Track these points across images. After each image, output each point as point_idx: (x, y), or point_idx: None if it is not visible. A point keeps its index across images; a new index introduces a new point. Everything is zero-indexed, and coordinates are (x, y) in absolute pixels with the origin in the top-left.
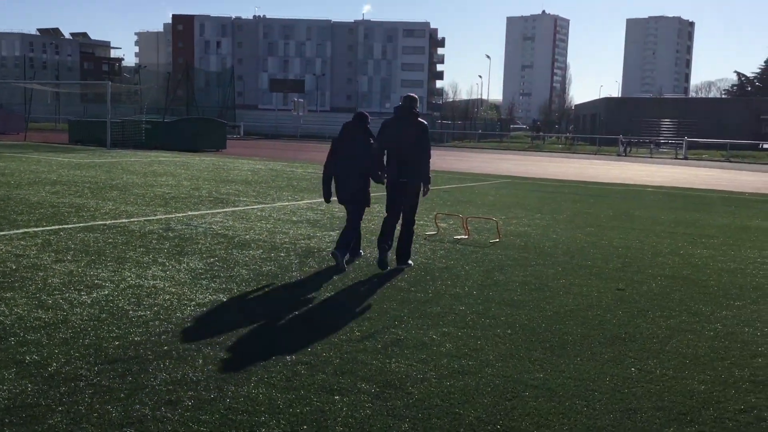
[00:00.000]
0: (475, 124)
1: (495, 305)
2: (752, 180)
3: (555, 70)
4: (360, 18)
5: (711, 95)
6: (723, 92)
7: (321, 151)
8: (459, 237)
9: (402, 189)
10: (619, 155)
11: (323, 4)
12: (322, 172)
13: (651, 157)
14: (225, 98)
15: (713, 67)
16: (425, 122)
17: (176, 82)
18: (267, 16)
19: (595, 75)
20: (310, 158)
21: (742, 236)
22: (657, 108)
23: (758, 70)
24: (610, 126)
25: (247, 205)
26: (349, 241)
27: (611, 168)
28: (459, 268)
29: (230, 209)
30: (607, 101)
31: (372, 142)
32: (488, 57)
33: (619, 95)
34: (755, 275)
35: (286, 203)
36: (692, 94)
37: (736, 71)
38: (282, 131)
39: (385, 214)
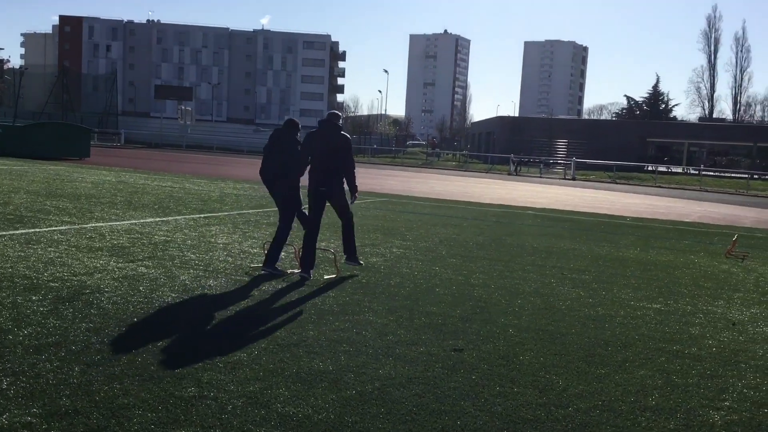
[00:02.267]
0: (370, 138)
1: (275, 384)
2: (635, 203)
3: (456, 89)
4: (259, 27)
5: (603, 118)
6: (613, 115)
7: (203, 163)
8: (292, 271)
9: (321, 197)
10: (509, 174)
11: (221, 11)
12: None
13: (540, 177)
14: (107, 104)
15: (605, 91)
16: (347, 135)
17: (59, 86)
18: (161, 21)
19: (494, 95)
20: (186, 170)
21: (617, 270)
22: (549, 128)
23: (646, 95)
24: (503, 145)
25: (51, 226)
26: (279, 244)
27: (498, 187)
28: (261, 317)
29: (21, 231)
30: (501, 120)
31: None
32: (386, 72)
33: (517, 116)
34: (625, 325)
35: (103, 224)
36: (585, 117)
37: (625, 95)
38: (167, 140)
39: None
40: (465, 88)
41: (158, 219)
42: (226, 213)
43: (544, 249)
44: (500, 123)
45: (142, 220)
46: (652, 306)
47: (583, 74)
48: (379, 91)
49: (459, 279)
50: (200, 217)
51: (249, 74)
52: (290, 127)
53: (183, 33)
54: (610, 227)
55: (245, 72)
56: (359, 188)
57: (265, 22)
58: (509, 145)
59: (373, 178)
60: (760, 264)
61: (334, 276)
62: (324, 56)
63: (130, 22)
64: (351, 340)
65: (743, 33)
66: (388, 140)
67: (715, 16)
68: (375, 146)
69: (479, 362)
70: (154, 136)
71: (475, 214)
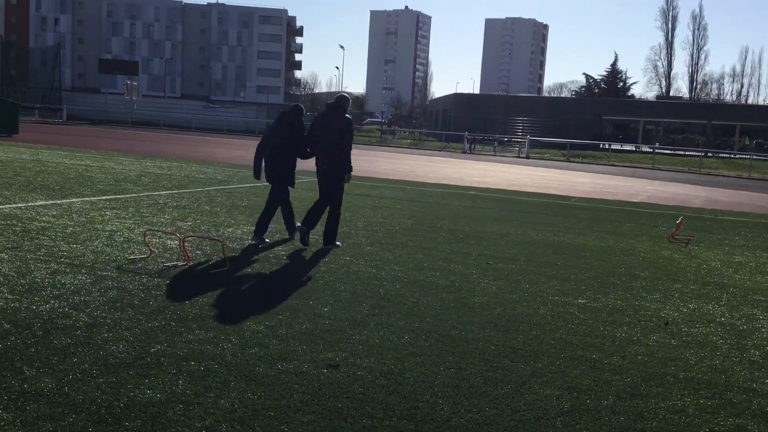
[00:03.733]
0: None
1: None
2: (584, 182)
3: (417, 66)
4: (214, 1)
5: (563, 96)
6: (573, 93)
7: (142, 140)
8: (172, 264)
9: (327, 176)
10: (463, 152)
11: None
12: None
13: (494, 155)
14: (50, 79)
15: (565, 69)
16: (350, 117)
17: (4, 61)
18: None
19: (456, 72)
20: (118, 147)
21: (548, 258)
22: (505, 106)
23: (605, 73)
24: (459, 122)
25: None
26: (289, 218)
27: (446, 166)
28: (95, 331)
29: None
30: (457, 97)
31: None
32: (342, 47)
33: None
34: (543, 327)
35: None
36: (546, 95)
37: (584, 73)
38: (114, 117)
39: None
40: (426, 65)
41: (51, 202)
42: (133, 195)
43: (476, 234)
44: (456, 100)
45: (31, 204)
46: (578, 302)
47: (543, 52)
48: (337, 68)
49: (368, 272)
50: (101, 199)
51: (203, 49)
52: (297, 111)
53: (134, 6)
54: (552, 209)
55: (200, 47)
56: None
57: None
58: (465, 123)
59: None
60: (704, 249)
61: (224, 269)
62: (281, 31)
63: None
64: (204, 355)
65: (700, 11)
66: None
67: None
68: None
69: (353, 383)
70: (100, 113)
71: (413, 195)
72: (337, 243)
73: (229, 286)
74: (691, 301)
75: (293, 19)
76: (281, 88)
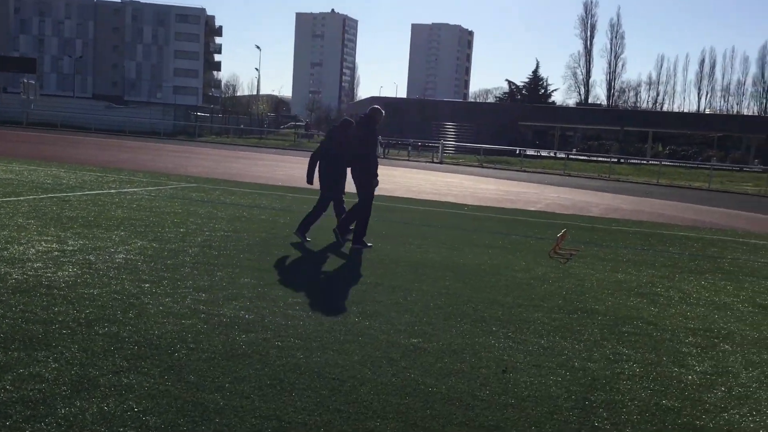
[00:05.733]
0: (237, 119)
1: None
2: (488, 189)
3: (344, 70)
4: None
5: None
6: (497, 99)
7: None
8: None
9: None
10: (378, 156)
11: None
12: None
13: (408, 160)
14: None
15: (490, 76)
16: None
17: None
18: None
19: (383, 77)
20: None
21: (399, 282)
22: (423, 110)
23: (527, 80)
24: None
25: None
26: (348, 221)
27: None
28: None
29: None
30: (376, 101)
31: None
32: (258, 48)
33: (392, 96)
34: (335, 389)
35: None
36: (471, 100)
37: (507, 80)
38: (10, 117)
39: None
40: (353, 69)
41: None
42: None
43: (320, 253)
44: (375, 104)
45: None
46: (409, 341)
47: (469, 58)
48: (256, 69)
49: (164, 304)
50: None
51: (117, 47)
52: (347, 125)
53: (43, 3)
54: (438, 219)
55: (113, 45)
56: None
57: None
58: (383, 127)
59: (207, 160)
60: (585, 265)
61: None
62: (198, 31)
63: None
64: None
65: (618, 20)
66: (259, 121)
67: (591, 2)
68: (242, 126)
69: None
70: None
71: (291, 203)
72: (368, 243)
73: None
74: (546, 337)
75: (212, 18)
76: (199, 89)
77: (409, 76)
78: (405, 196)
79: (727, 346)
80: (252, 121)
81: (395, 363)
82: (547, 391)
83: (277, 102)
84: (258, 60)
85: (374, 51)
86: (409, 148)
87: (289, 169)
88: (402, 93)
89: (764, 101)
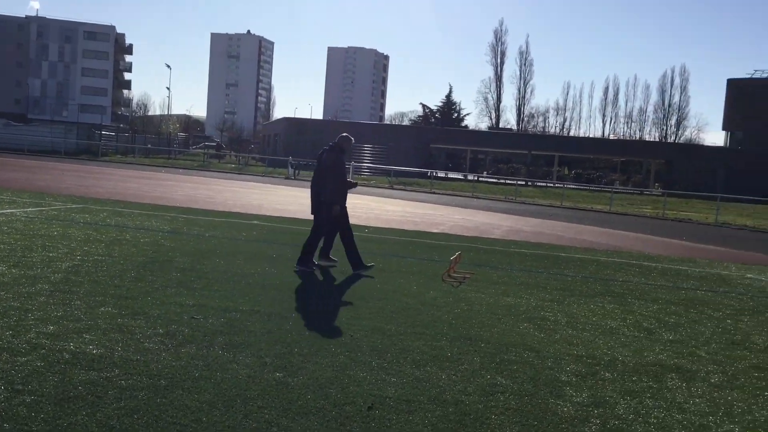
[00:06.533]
0: (144, 138)
1: None
2: (393, 210)
3: (260, 91)
4: (32, 14)
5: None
6: (412, 122)
7: None
8: None
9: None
10: (287, 178)
11: None
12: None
13: None
14: None
15: (406, 99)
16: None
17: None
18: None
19: (300, 99)
20: None
21: (278, 308)
22: (335, 132)
23: (440, 103)
24: (289, 148)
25: None
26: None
27: (257, 192)
28: None
29: None
30: (287, 122)
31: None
32: (168, 66)
33: (302, 117)
34: None
35: None
36: (387, 122)
37: (421, 103)
38: None
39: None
40: (269, 90)
41: None
42: None
43: (198, 279)
44: (286, 125)
45: None
46: (274, 376)
47: (384, 81)
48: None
49: None
50: None
51: (21, 64)
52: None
53: None
54: (336, 241)
55: (16, 62)
56: None
57: (37, 6)
58: (294, 148)
59: (105, 180)
60: (477, 289)
61: None
62: (108, 48)
63: None
64: None
65: (527, 47)
66: (166, 140)
67: (501, 30)
68: (149, 145)
69: None
70: None
71: (180, 225)
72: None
73: None
74: (423, 367)
75: (122, 36)
76: (108, 108)
77: (326, 99)
78: (305, 218)
79: (607, 374)
80: (161, 140)
81: (250, 402)
82: (412, 430)
83: (188, 122)
84: (171, 78)
85: (290, 73)
86: None
87: (191, 189)
88: (318, 114)
89: (665, 127)
